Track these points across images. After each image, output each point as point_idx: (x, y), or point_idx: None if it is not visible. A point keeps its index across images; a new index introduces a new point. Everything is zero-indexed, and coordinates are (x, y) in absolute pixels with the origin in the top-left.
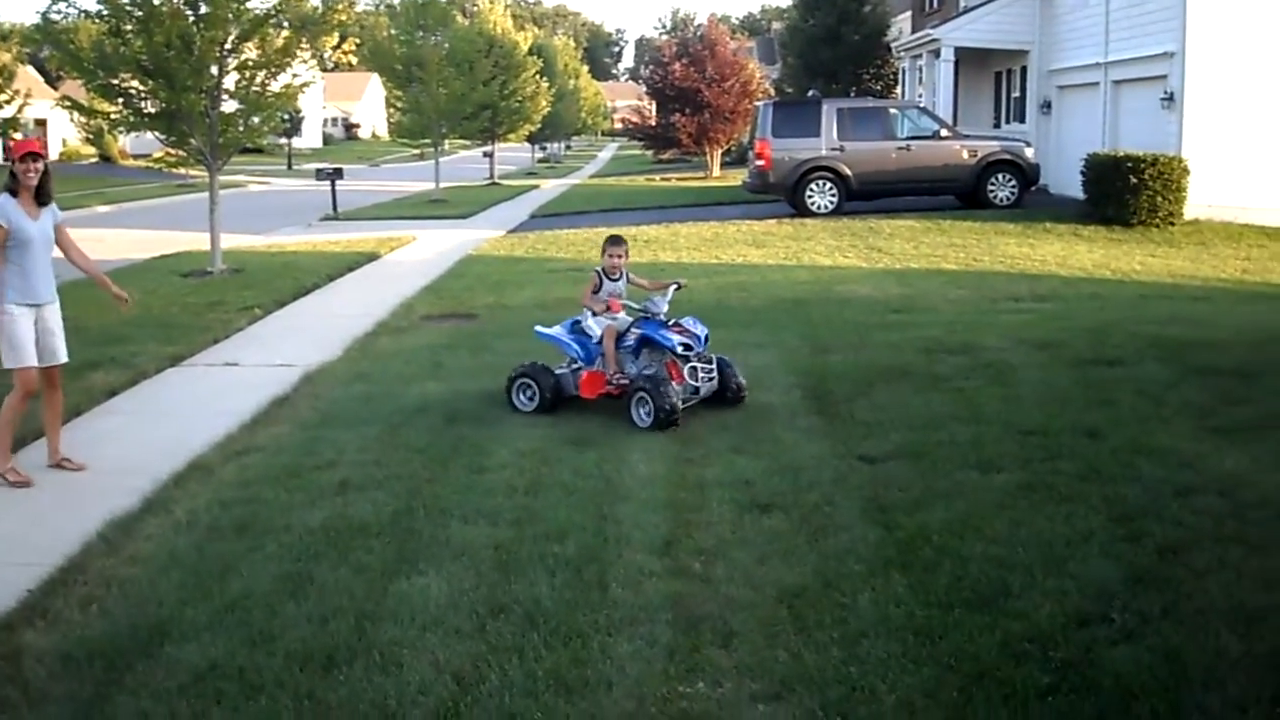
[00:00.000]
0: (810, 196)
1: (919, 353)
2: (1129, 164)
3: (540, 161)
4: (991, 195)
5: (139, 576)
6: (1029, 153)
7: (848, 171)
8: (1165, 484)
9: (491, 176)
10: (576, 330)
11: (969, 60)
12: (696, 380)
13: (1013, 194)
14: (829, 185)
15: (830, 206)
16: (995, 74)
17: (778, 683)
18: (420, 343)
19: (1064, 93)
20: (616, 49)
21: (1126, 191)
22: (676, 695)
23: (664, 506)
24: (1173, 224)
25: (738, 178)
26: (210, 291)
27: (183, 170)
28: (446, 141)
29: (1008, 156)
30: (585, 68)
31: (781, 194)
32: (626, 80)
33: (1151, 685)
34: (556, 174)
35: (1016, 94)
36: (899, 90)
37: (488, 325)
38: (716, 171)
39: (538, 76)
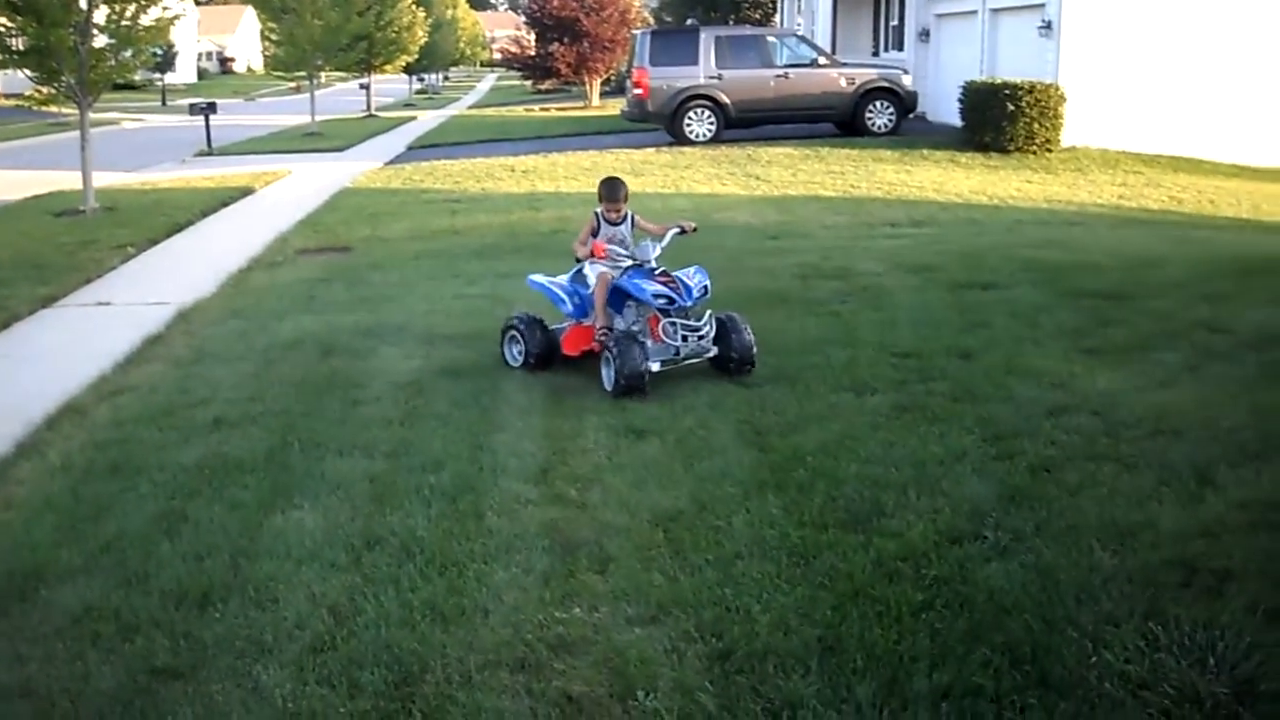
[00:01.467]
0: (689, 125)
1: (795, 278)
2: (1006, 91)
3: (418, 93)
4: (869, 123)
5: (12, 521)
6: (907, 80)
7: (726, 100)
8: (1038, 404)
9: (368, 109)
10: (580, 279)
11: None
12: (675, 339)
13: (890, 121)
14: (707, 114)
15: (709, 135)
16: (874, 2)
17: (654, 606)
18: (295, 277)
19: (942, 21)
20: None
21: (1004, 119)
22: (553, 621)
23: (540, 435)
24: (1049, 151)
25: (617, 107)
26: (83, 230)
27: (54, 108)
28: (322, 74)
29: (885, 84)
30: None
31: (660, 123)
32: (505, 10)
33: (1024, 601)
34: (434, 105)
35: (895, 22)
36: (778, 19)
37: (363, 258)
38: (596, 101)
39: (414, 7)
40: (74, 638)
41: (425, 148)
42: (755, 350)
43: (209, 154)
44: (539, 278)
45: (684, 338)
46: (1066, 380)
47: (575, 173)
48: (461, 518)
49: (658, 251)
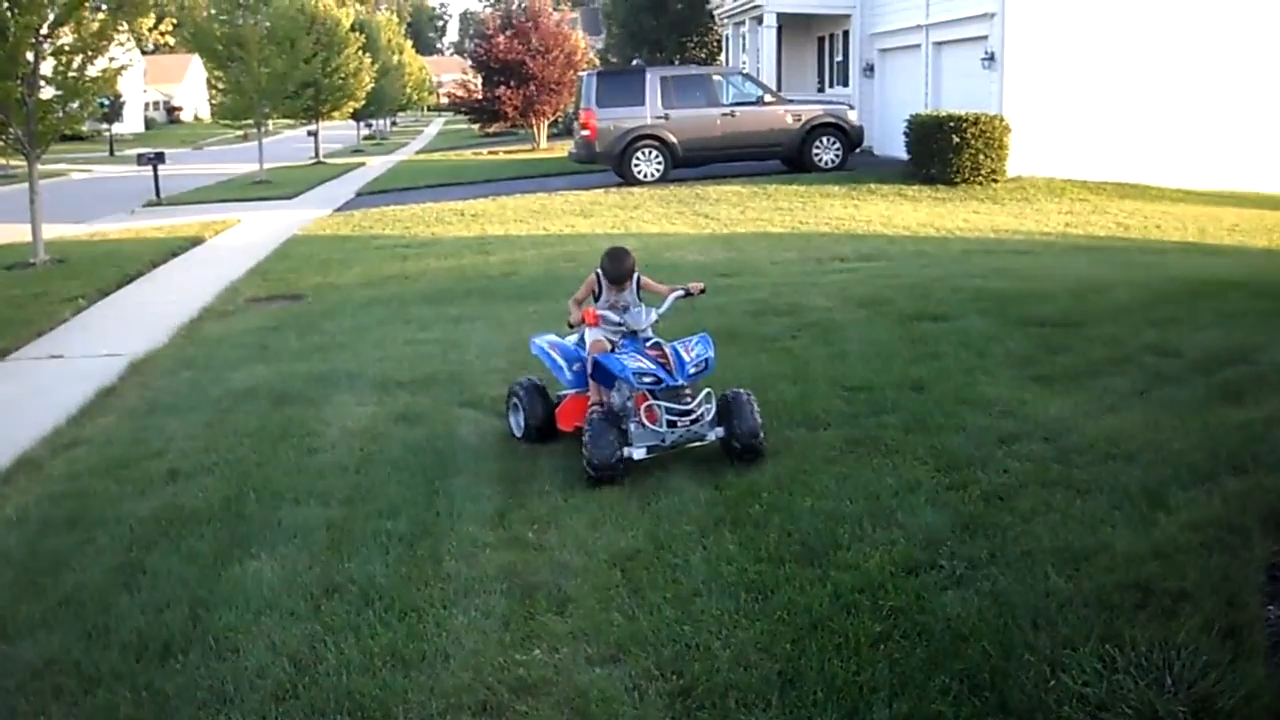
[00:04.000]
0: (637, 165)
1: (746, 315)
2: (951, 124)
3: (366, 139)
4: (816, 158)
5: None
6: (852, 115)
7: (673, 139)
8: (990, 432)
9: (317, 155)
10: (584, 345)
11: (792, 25)
12: (659, 425)
13: (837, 157)
14: (655, 153)
15: (657, 174)
16: (818, 39)
17: (613, 645)
18: (246, 326)
19: (886, 55)
20: (440, 23)
21: (949, 150)
22: (514, 663)
23: (496, 479)
24: (995, 181)
25: (565, 149)
26: (33, 283)
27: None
28: (270, 121)
29: (831, 120)
30: (409, 43)
31: (608, 163)
32: (452, 54)
33: (982, 628)
34: (383, 150)
35: (840, 58)
36: (723, 57)
37: (315, 305)
38: (544, 143)
39: (360, 53)
40: (35, 692)
41: (374, 194)
42: (762, 436)
43: (158, 204)
44: (543, 341)
45: (670, 423)
46: (1017, 408)
47: (525, 215)
48: (420, 563)
49: (653, 319)
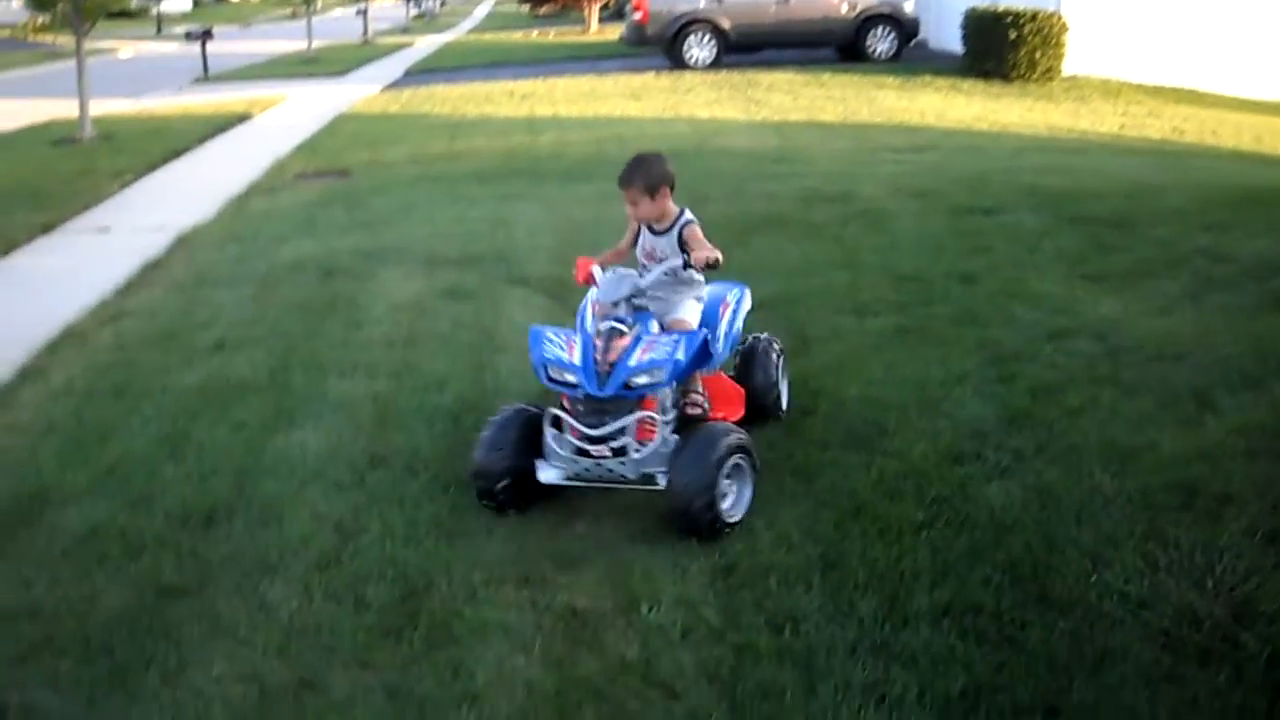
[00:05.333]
0: (688, 49)
1: (797, 202)
2: (1008, 19)
3: (415, 18)
4: (870, 49)
5: (17, 445)
6: (908, 6)
7: (726, 24)
8: (1039, 328)
9: (365, 34)
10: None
11: None
12: (562, 448)
13: (891, 48)
14: (707, 38)
15: (709, 59)
16: None
17: (656, 521)
18: (294, 201)
19: None
20: None
21: (1005, 46)
22: (556, 537)
23: None
24: (1051, 79)
25: (615, 32)
26: (80, 158)
27: (49, 38)
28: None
29: (887, 10)
30: None
31: (659, 47)
32: None
33: (1025, 520)
34: (432, 30)
35: None
36: None
37: (362, 182)
38: (595, 26)
39: None
40: (80, 559)
41: (423, 72)
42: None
43: (206, 81)
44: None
45: (579, 450)
46: (1068, 305)
47: (574, 97)
48: (465, 437)
49: (625, 292)
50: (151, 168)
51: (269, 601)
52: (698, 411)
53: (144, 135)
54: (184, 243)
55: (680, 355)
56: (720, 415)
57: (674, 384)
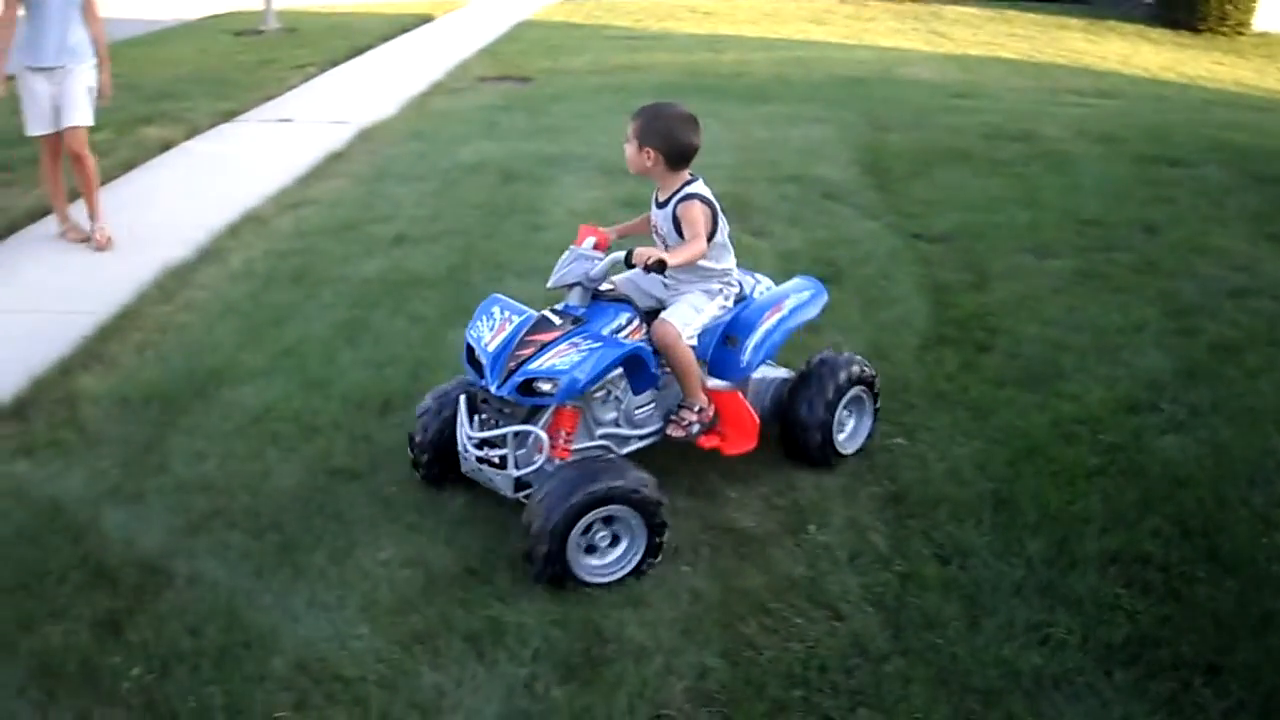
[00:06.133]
0: None
1: (979, 137)
2: None
3: None
4: None
5: (194, 323)
6: None
7: None
8: (1221, 283)
9: None
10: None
11: None
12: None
13: None
14: None
15: None
16: None
17: None
18: (475, 103)
19: None
20: None
21: None
22: (725, 459)
23: None
24: (1241, 33)
25: None
26: (263, 49)
27: None
28: None
29: None
30: None
31: None
32: None
33: (1198, 475)
34: None
35: None
36: None
37: (543, 88)
38: None
39: None
40: (254, 436)
41: None
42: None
43: None
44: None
45: (463, 445)
46: (1250, 263)
47: (756, 17)
48: None
49: (571, 278)
50: (334, 62)
51: (439, 492)
52: (679, 434)
53: (326, 30)
54: (365, 137)
55: (581, 373)
56: (715, 444)
57: (573, 401)
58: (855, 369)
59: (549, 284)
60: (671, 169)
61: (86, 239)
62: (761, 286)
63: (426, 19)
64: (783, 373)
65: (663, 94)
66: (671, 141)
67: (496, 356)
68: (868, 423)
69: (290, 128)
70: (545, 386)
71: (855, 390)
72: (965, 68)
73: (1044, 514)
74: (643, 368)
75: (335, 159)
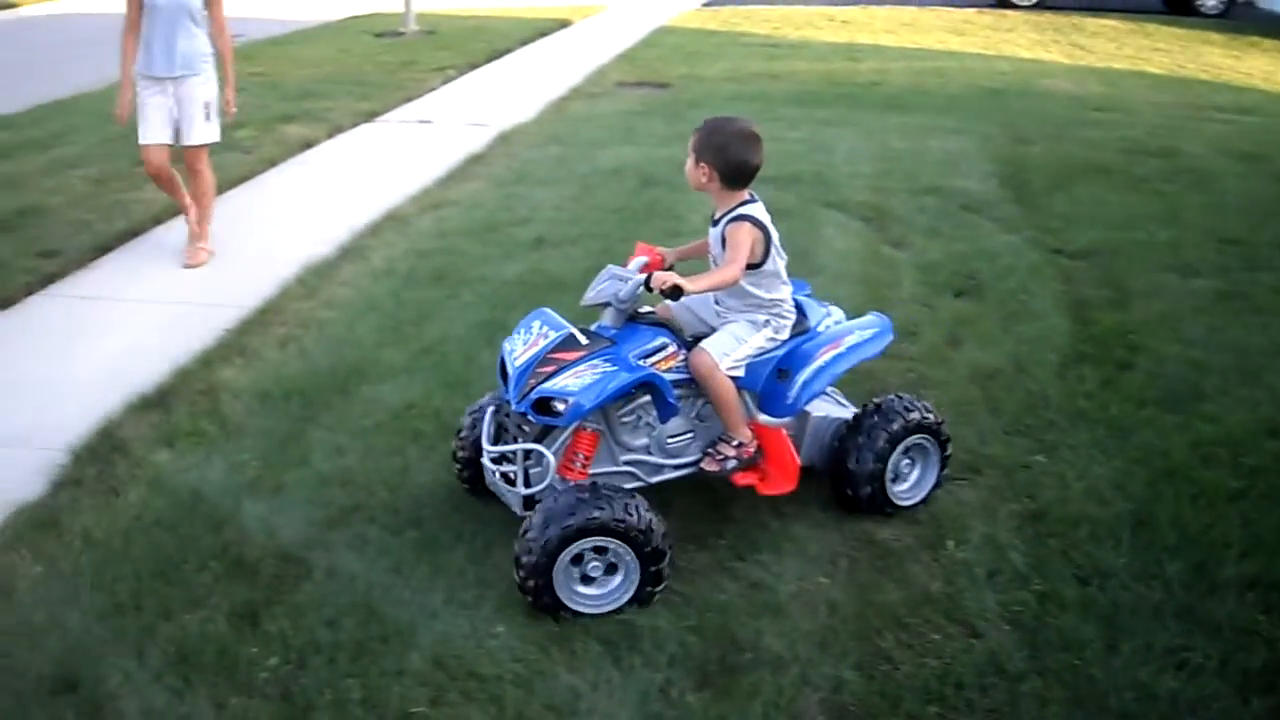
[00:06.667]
0: None
1: (1119, 152)
2: None
3: None
4: (1198, 4)
5: (336, 319)
6: None
7: None
8: None
9: None
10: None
11: None
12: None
13: (1221, 4)
14: None
15: (1032, 0)
16: None
17: (966, 461)
18: (613, 109)
19: None
20: None
21: None
22: None
23: (857, 281)
24: None
25: None
26: (403, 51)
27: None
28: None
29: None
30: None
31: None
32: None
33: None
34: None
35: None
36: None
37: (681, 94)
38: None
39: None
40: (394, 433)
41: None
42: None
43: None
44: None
45: (493, 457)
46: None
47: (894, 27)
48: None
49: (602, 298)
50: (473, 65)
51: None
52: (714, 469)
53: (465, 33)
54: (505, 140)
55: (587, 397)
56: (750, 482)
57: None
58: (915, 415)
59: (581, 302)
60: (728, 187)
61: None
62: (830, 320)
63: (565, 24)
64: (849, 413)
65: (801, 102)
66: (728, 158)
67: (521, 372)
68: (933, 475)
69: (430, 129)
70: (560, 406)
71: (916, 439)
72: (1106, 81)
73: (1183, 536)
74: (660, 396)
75: (474, 161)
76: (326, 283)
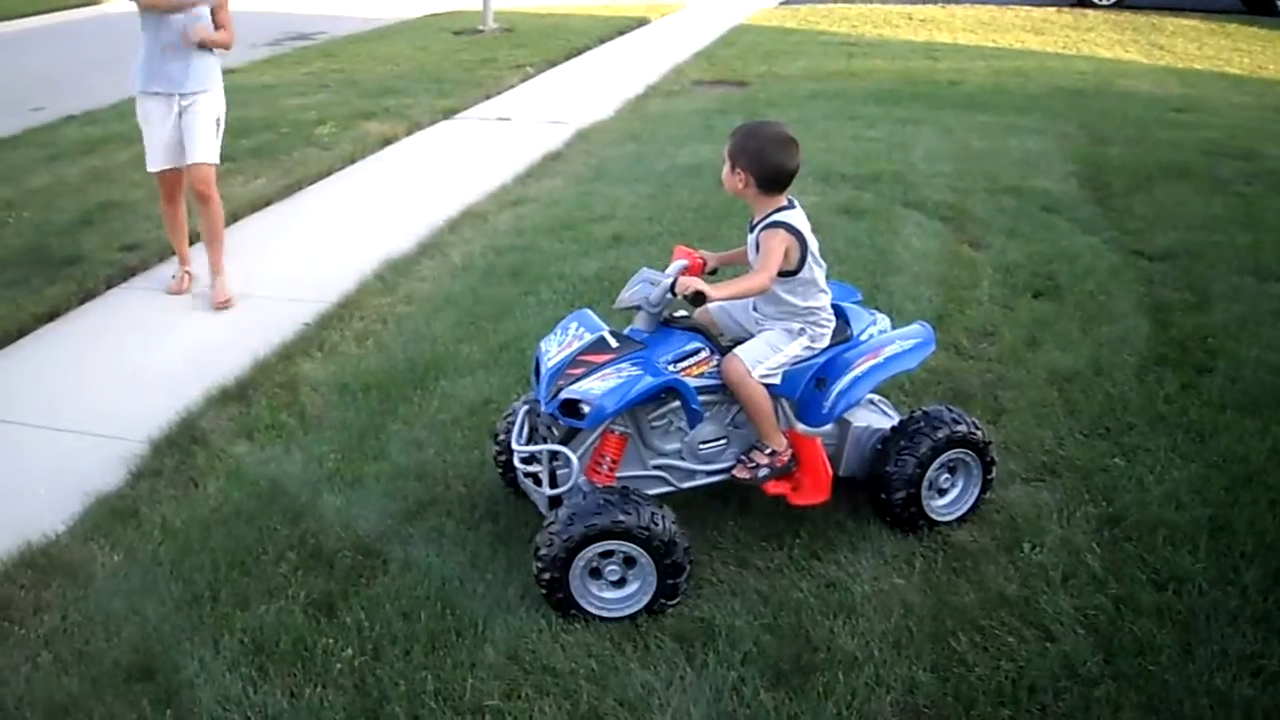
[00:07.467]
0: None
1: (1199, 154)
2: None
3: None
4: (1278, 3)
5: (414, 314)
6: None
7: None
8: None
9: None
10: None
11: None
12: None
13: None
14: None
15: None
16: None
17: (1043, 464)
18: (691, 107)
19: None
20: None
21: None
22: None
23: (936, 282)
24: None
25: None
26: (481, 49)
27: None
28: None
29: None
30: None
31: None
32: None
33: None
34: None
35: None
36: None
37: (759, 93)
38: None
39: None
40: (471, 427)
41: None
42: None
43: None
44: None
45: (523, 458)
46: None
47: (973, 25)
48: None
49: (633, 301)
50: (551, 63)
51: None
52: (745, 476)
53: (544, 31)
54: (583, 137)
55: (610, 400)
56: (782, 491)
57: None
58: (960, 429)
59: (614, 304)
60: (764, 192)
61: (181, 291)
62: (876, 328)
63: (643, 21)
64: (891, 422)
65: (880, 101)
66: (763, 163)
67: (553, 373)
68: (974, 493)
69: (509, 126)
70: (586, 409)
71: (957, 453)
72: (1186, 81)
73: (1261, 543)
74: (685, 401)
75: (553, 159)
76: (405, 278)
